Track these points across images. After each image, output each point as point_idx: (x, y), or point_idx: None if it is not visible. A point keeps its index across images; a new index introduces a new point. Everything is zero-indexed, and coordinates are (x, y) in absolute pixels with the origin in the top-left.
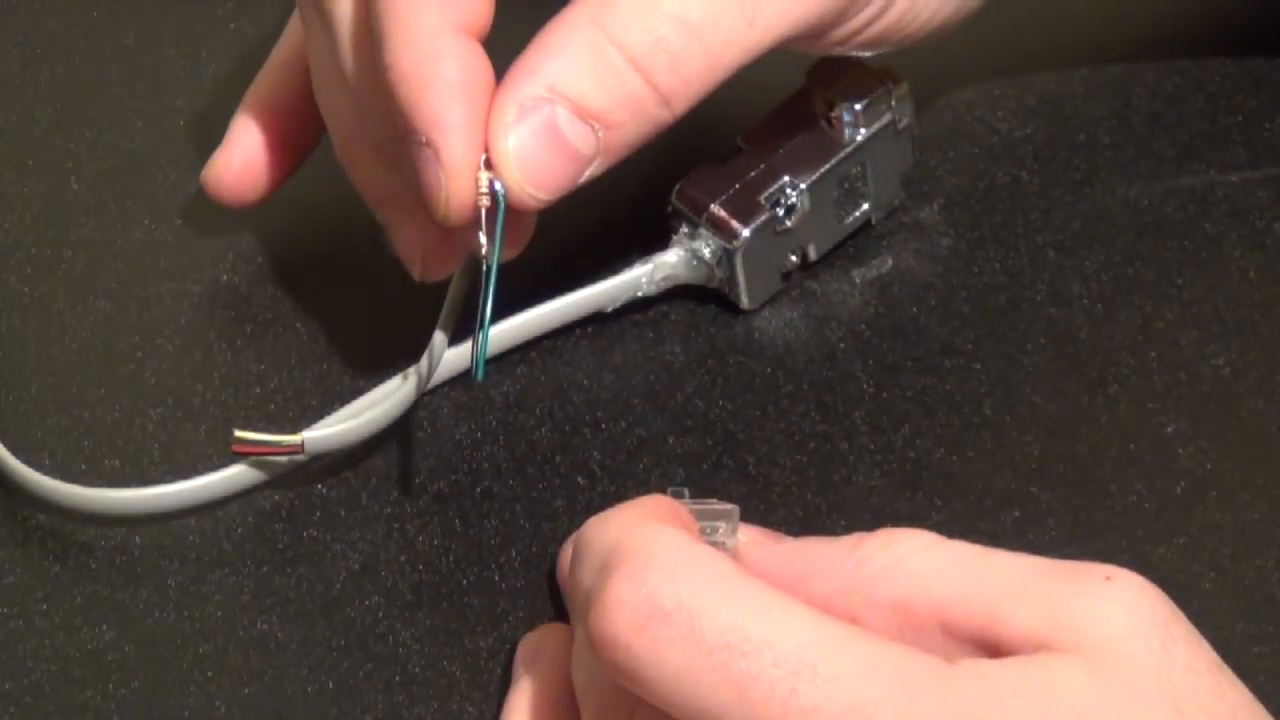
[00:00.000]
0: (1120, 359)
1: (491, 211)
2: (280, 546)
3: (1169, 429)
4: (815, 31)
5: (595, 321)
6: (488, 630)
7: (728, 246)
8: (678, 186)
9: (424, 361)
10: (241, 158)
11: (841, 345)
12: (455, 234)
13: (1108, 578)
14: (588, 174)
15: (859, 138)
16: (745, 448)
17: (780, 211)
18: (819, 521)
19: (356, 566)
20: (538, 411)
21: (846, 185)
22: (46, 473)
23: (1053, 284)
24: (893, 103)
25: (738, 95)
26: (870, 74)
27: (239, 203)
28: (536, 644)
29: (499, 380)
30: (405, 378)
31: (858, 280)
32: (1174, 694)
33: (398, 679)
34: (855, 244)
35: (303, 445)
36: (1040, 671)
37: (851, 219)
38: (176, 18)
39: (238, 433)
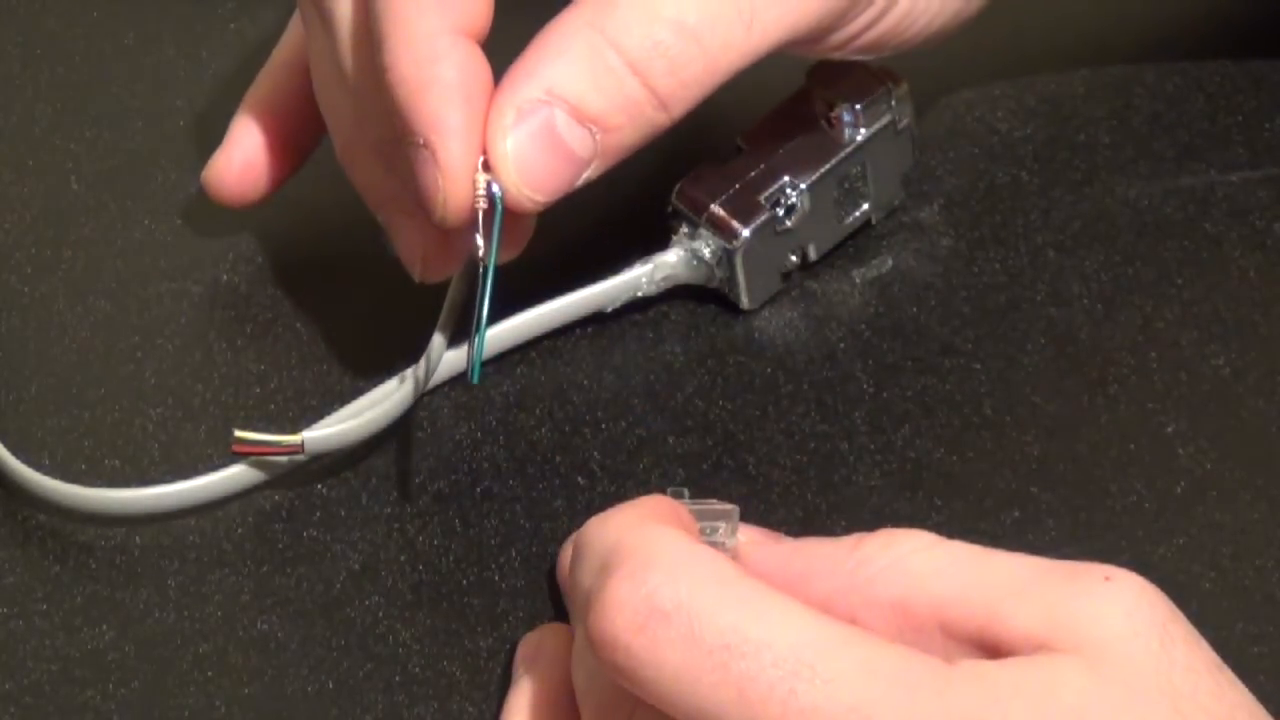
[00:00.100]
0: (1120, 359)
1: (489, 213)
2: (280, 546)
3: (1169, 429)
4: (813, 36)
5: (595, 321)
6: (488, 630)
7: (728, 246)
8: (678, 187)
9: (424, 362)
10: (242, 158)
11: (841, 345)
12: (455, 235)
13: (1107, 578)
14: (585, 177)
15: (859, 138)
16: (745, 448)
17: (780, 211)
18: (819, 521)
19: (356, 566)
20: (538, 411)
21: (846, 185)
22: (46, 473)
23: (1053, 284)
24: (893, 103)
25: (737, 96)
26: (870, 74)
27: (239, 203)
28: (536, 644)
29: (499, 380)
30: (405, 378)
31: (858, 280)
32: (1173, 694)
33: (398, 679)
34: (855, 244)
35: (303, 445)
36: (1040, 672)
37: (851, 219)
38: (176, 18)
39: (238, 433)
